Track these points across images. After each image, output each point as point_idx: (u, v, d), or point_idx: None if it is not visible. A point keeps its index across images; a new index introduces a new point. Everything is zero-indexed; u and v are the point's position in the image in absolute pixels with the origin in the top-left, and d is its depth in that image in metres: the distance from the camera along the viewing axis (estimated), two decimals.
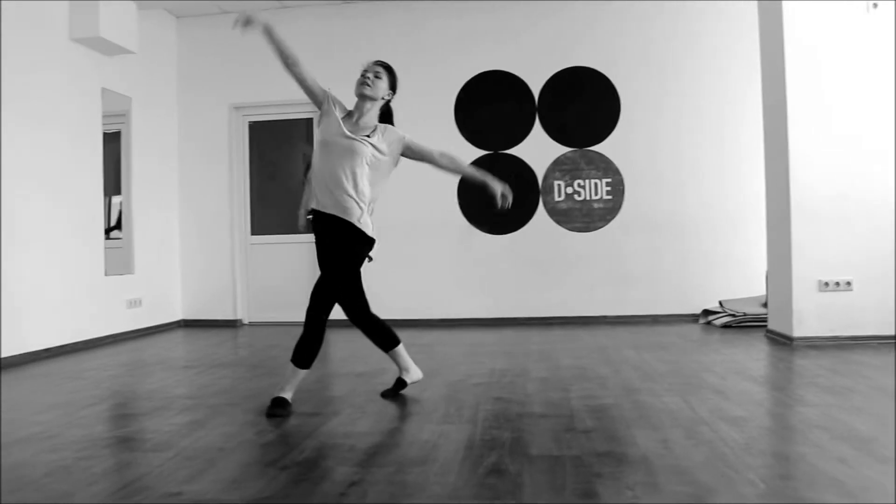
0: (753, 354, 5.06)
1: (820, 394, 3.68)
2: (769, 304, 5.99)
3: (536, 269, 7.44)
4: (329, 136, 3.67)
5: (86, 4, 6.14)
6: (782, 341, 5.55)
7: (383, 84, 3.76)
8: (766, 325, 6.08)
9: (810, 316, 5.41)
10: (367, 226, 3.65)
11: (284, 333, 7.01)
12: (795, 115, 5.46)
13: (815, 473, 2.42)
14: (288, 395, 3.64)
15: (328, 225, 3.64)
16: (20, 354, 5.47)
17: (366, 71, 3.75)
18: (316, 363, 3.80)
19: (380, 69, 3.76)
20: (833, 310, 5.39)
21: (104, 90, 6.62)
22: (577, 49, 7.46)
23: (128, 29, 6.54)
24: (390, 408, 3.56)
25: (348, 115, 3.78)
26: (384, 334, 3.90)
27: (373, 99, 3.73)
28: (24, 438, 3.16)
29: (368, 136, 3.65)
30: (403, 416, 3.44)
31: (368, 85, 3.71)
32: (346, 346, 5.91)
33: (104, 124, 6.63)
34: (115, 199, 6.96)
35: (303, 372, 3.66)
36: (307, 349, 3.61)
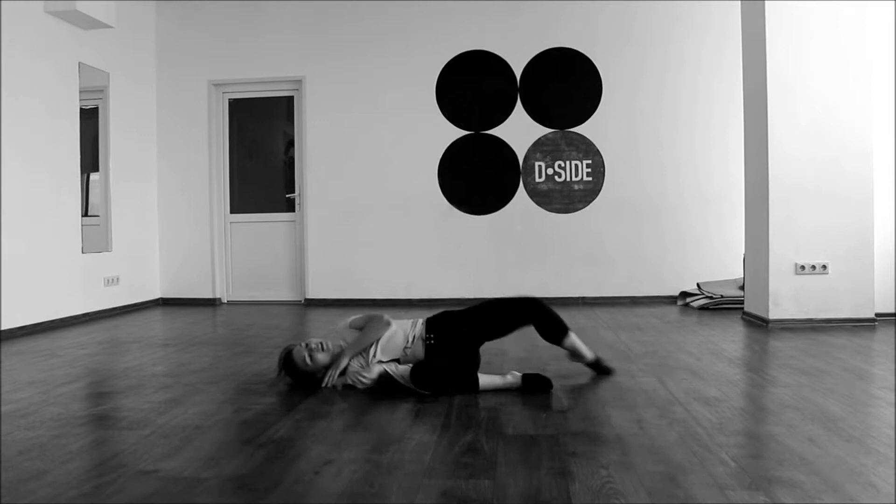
0: (729, 336, 5.11)
1: (793, 375, 3.74)
2: (746, 287, 6.05)
3: (516, 249, 7.45)
4: None
5: None
6: (758, 323, 5.62)
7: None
8: (742, 308, 6.14)
9: (786, 299, 5.48)
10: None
11: (263, 312, 7.00)
12: (775, 99, 5.47)
13: (784, 452, 2.46)
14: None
15: None
16: None
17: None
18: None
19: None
20: (808, 293, 5.46)
21: (81, 65, 6.53)
22: (560, 30, 7.43)
23: (105, 3, 6.44)
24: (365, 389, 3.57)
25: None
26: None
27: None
28: None
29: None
30: (379, 396, 3.44)
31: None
32: (324, 327, 5.91)
33: (81, 100, 6.55)
34: (94, 177, 6.89)
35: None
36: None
